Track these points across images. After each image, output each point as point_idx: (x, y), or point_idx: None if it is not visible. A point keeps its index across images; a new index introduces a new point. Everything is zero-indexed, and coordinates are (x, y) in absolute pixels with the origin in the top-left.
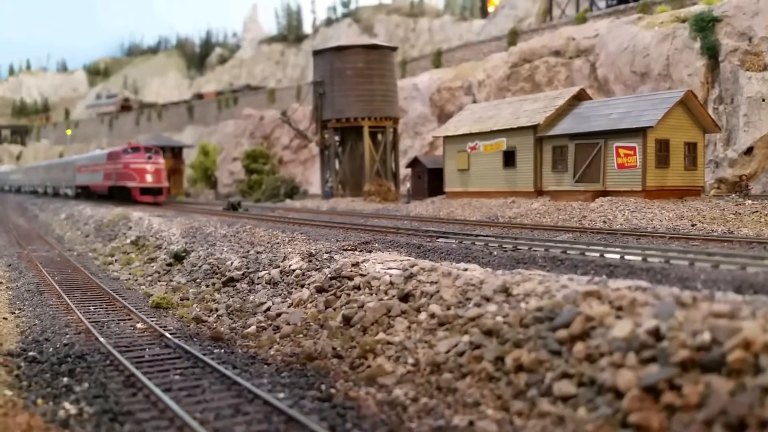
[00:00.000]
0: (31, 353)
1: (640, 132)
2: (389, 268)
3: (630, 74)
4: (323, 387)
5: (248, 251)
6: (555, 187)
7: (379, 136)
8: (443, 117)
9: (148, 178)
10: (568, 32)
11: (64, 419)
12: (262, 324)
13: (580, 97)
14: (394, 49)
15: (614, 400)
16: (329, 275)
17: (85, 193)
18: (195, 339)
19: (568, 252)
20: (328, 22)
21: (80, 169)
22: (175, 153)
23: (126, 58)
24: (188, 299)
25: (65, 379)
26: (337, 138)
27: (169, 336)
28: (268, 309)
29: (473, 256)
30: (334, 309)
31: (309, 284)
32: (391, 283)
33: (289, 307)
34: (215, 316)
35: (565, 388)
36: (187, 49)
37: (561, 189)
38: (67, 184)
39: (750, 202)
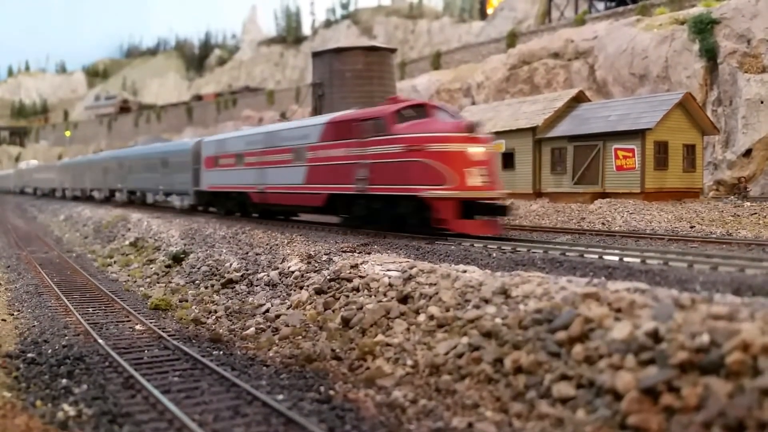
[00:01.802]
0: (29, 355)
1: (638, 134)
2: (388, 270)
3: (629, 76)
4: (322, 389)
5: (247, 253)
6: (554, 188)
7: None
8: None
9: (475, 177)
10: (566, 34)
11: (63, 421)
12: (261, 326)
13: (579, 99)
14: (393, 50)
15: (613, 402)
16: (328, 277)
17: (224, 207)
18: (194, 340)
19: (567, 254)
20: (327, 23)
21: (213, 162)
22: None
23: (125, 59)
24: (187, 301)
25: (64, 381)
26: None
27: (167, 338)
28: (267, 311)
29: (472, 258)
30: (333, 311)
31: (308, 286)
32: (390, 284)
33: (288, 308)
34: (214, 317)
35: (564, 390)
36: (186, 51)
37: (560, 191)
38: (173, 187)
39: (749, 203)
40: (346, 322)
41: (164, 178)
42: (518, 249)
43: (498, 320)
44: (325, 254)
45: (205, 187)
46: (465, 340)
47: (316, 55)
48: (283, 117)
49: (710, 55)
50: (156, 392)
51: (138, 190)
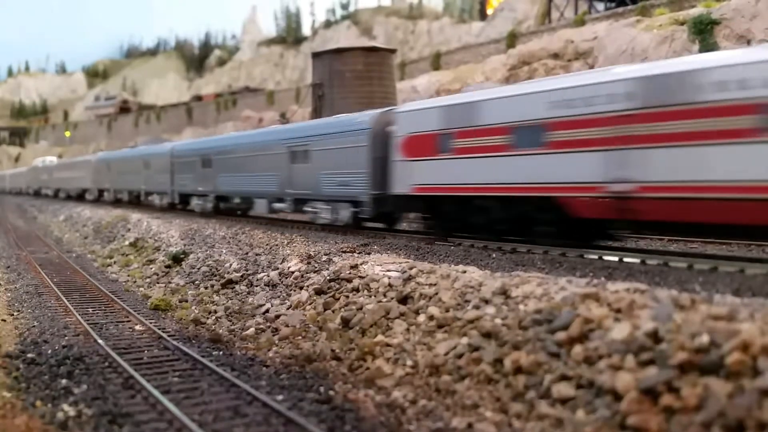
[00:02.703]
0: (29, 355)
1: None
2: (388, 270)
3: None
4: (322, 389)
5: (247, 253)
6: None
7: None
8: None
9: None
10: (566, 35)
11: (63, 421)
12: (261, 326)
13: None
14: (393, 51)
15: (613, 403)
16: (328, 277)
17: (448, 221)
18: (194, 341)
19: (567, 254)
20: (327, 24)
21: (432, 146)
22: None
23: (125, 59)
24: (187, 301)
25: (64, 381)
26: None
27: (167, 338)
28: (267, 311)
29: (472, 258)
30: (333, 311)
31: (308, 286)
32: (390, 285)
33: (287, 309)
34: (214, 317)
35: (563, 391)
36: (186, 51)
37: None
38: (316, 190)
39: None
40: (346, 323)
41: (296, 177)
42: (518, 249)
43: (498, 321)
44: (324, 254)
45: (406, 189)
46: (465, 340)
47: (316, 55)
48: (283, 117)
49: None
50: (156, 392)
51: (236, 194)
